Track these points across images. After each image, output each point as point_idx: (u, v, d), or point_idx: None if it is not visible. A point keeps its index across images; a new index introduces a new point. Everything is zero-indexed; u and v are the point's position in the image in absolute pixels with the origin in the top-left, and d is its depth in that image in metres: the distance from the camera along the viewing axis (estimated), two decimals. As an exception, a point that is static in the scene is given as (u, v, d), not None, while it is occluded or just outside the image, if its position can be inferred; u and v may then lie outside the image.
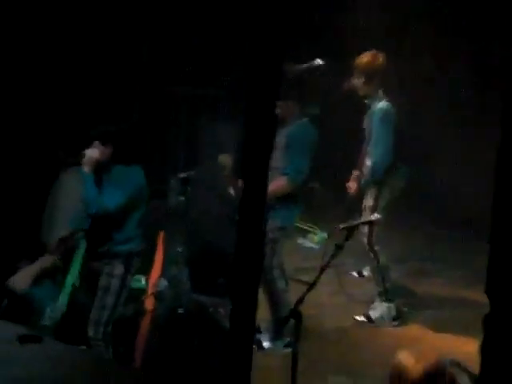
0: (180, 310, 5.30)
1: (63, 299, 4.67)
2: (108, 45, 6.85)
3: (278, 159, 5.07)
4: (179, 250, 5.81)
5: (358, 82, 5.67)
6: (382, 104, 5.62)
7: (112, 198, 4.63)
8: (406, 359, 3.03)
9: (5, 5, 5.93)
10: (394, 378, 3.01)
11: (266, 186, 2.80)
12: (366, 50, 5.72)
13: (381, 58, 5.65)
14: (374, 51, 5.69)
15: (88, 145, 4.78)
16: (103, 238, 4.73)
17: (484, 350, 2.16)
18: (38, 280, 4.78)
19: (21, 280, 4.78)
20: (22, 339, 3.02)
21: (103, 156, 4.71)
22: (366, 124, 5.74)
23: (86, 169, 4.68)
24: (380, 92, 5.64)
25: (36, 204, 5.37)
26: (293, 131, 5.22)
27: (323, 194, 7.09)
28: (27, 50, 6.19)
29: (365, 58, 5.66)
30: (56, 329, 4.57)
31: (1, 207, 5.43)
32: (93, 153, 4.70)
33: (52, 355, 3.03)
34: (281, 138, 5.16)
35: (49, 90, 6.31)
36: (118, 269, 4.71)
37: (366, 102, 5.71)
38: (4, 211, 5.39)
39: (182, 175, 6.03)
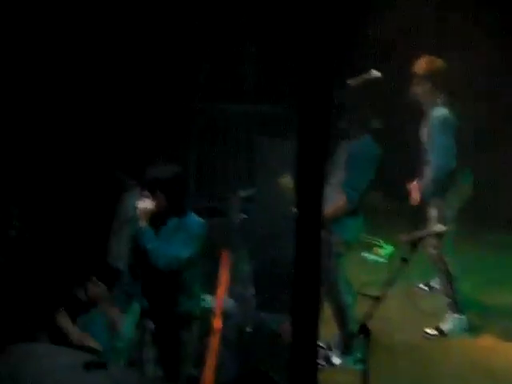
0: (248, 329, 5.28)
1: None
2: (159, 66, 6.91)
3: (338, 175, 5.02)
4: (244, 267, 5.81)
5: (417, 88, 5.59)
6: (440, 110, 5.52)
7: (182, 249, 4.37)
8: None
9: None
10: None
11: (321, 200, 2.76)
12: (418, 56, 5.64)
13: (438, 63, 5.56)
14: (430, 56, 5.60)
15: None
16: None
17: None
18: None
19: None
20: (88, 366, 3.03)
21: (158, 206, 4.41)
22: (424, 131, 5.65)
23: (141, 223, 4.39)
24: (439, 98, 5.54)
25: (98, 226, 5.38)
26: (354, 147, 5.15)
27: (389, 207, 7.01)
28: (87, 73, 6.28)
29: (423, 63, 5.58)
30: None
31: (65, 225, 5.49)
32: (145, 204, 4.41)
33: (118, 381, 3.03)
34: (342, 153, 5.11)
35: (107, 113, 6.40)
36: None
37: (423, 108, 5.62)
38: (68, 231, 5.44)
39: (243, 193, 6.04)
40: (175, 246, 4.36)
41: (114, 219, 5.78)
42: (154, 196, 4.41)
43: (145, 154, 6.41)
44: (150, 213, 4.39)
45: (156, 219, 4.43)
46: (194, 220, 4.48)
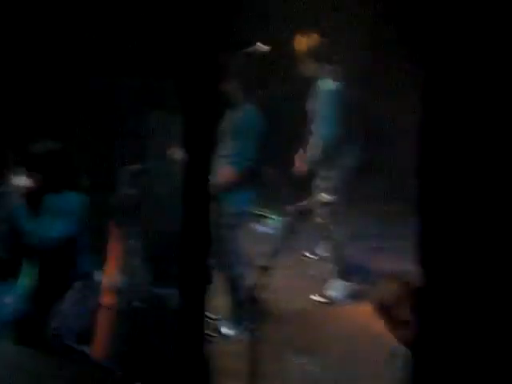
0: (138, 304, 5.27)
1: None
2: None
3: (224, 146, 5.07)
4: (132, 242, 5.78)
5: (302, 64, 5.68)
6: (326, 82, 5.63)
7: (54, 228, 4.35)
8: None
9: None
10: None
11: (208, 172, 2.80)
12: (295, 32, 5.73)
13: (316, 38, 5.66)
14: (308, 32, 5.70)
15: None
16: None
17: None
18: None
19: None
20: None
21: (33, 183, 4.38)
22: (311, 104, 5.75)
23: (16, 200, 4.33)
24: (323, 70, 5.65)
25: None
26: (239, 118, 5.22)
27: (275, 177, 7.11)
28: None
29: (302, 40, 5.68)
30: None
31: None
32: (20, 181, 4.36)
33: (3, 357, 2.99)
34: (228, 124, 5.15)
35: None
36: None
37: (310, 81, 5.72)
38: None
39: (132, 167, 5.99)
40: (48, 225, 4.33)
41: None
42: (30, 173, 4.35)
43: (28, 130, 6.27)
44: (24, 190, 4.34)
45: (33, 197, 4.38)
46: (70, 197, 4.45)
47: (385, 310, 3.63)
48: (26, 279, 4.65)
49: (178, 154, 5.35)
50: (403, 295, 3.58)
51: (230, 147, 5.14)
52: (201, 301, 2.75)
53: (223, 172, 5.08)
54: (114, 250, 5.90)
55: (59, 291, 4.50)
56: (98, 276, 4.85)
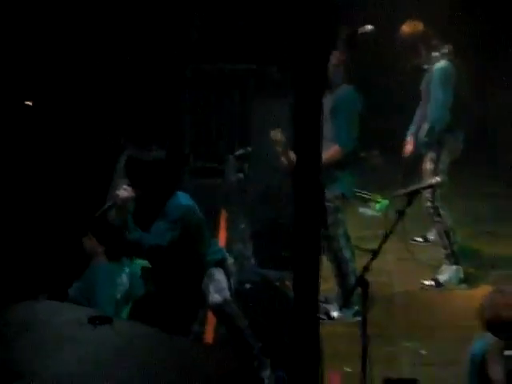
0: (247, 285, 5.34)
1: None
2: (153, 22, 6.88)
3: (325, 126, 5.03)
4: (242, 226, 5.86)
5: (413, 49, 5.62)
6: (440, 63, 5.55)
7: (161, 238, 4.36)
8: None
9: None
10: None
11: (318, 154, 2.80)
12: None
13: (420, 25, 5.61)
14: (409, 21, 5.63)
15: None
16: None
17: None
18: None
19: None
20: (93, 320, 3.09)
21: (139, 193, 4.38)
22: (423, 85, 5.68)
23: (122, 212, 4.36)
24: (436, 53, 5.57)
25: (99, 183, 5.40)
26: (338, 98, 5.20)
27: (382, 161, 7.05)
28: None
29: (404, 29, 5.62)
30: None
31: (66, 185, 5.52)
32: (124, 193, 4.36)
33: (122, 335, 3.09)
34: (327, 104, 5.13)
35: (103, 77, 6.40)
36: (219, 274, 4.62)
37: (424, 66, 5.65)
38: (68, 190, 5.47)
39: (239, 152, 6.06)
40: (154, 235, 4.37)
41: (113, 177, 5.82)
42: (135, 183, 4.38)
43: (141, 115, 6.43)
44: (129, 201, 4.38)
45: (139, 206, 4.44)
46: (174, 204, 4.45)
47: (503, 321, 3.57)
48: (140, 262, 4.79)
49: (280, 134, 5.36)
50: None
51: (330, 126, 5.12)
52: (314, 284, 2.76)
53: (328, 151, 5.07)
54: (223, 234, 6.00)
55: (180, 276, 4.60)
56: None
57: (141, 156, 4.43)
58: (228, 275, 4.66)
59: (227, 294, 4.54)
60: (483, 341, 3.72)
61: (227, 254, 4.88)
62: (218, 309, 4.55)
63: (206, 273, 4.56)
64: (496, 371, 3.58)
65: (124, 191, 4.37)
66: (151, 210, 4.46)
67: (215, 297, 4.50)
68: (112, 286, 4.54)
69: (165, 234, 4.37)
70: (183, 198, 4.52)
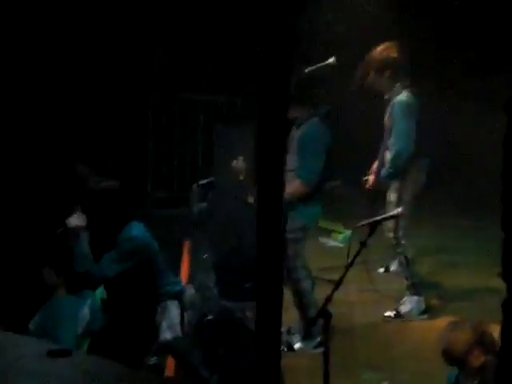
0: (209, 316, 5.31)
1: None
2: (116, 51, 6.88)
3: (291, 161, 5.06)
4: (205, 255, 5.84)
5: (373, 77, 5.62)
6: (402, 95, 5.57)
7: (108, 269, 4.36)
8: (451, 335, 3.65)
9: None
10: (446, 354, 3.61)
11: (282, 187, 2.80)
12: (370, 44, 5.69)
13: (394, 49, 5.59)
14: (386, 43, 5.63)
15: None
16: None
17: (503, 334, 2.15)
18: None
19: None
20: (53, 353, 3.04)
21: (90, 221, 4.39)
22: (386, 118, 5.70)
23: (72, 240, 4.36)
24: (398, 84, 5.59)
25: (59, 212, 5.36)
26: (304, 132, 5.21)
27: (344, 192, 7.09)
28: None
29: (378, 51, 5.61)
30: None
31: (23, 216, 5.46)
32: (75, 221, 4.37)
33: (82, 368, 3.05)
34: (293, 140, 5.16)
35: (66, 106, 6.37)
36: (174, 307, 4.62)
37: (386, 97, 5.67)
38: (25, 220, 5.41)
39: (203, 182, 6.06)
40: (102, 266, 4.36)
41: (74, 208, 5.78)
42: (86, 212, 4.37)
43: (103, 144, 6.40)
44: (80, 230, 4.36)
45: (93, 236, 4.41)
46: (126, 236, 4.43)
47: (454, 356, 3.63)
48: (101, 293, 4.73)
49: (241, 163, 5.37)
50: (475, 343, 3.59)
51: (296, 161, 5.14)
52: (277, 315, 2.75)
53: (291, 185, 5.08)
54: (186, 264, 5.97)
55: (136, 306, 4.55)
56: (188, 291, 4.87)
57: (93, 185, 4.41)
58: (183, 309, 4.63)
59: (178, 330, 4.52)
60: (453, 372, 3.75)
61: (189, 285, 4.86)
62: (169, 346, 4.51)
63: (161, 305, 4.53)
64: None
65: (74, 219, 4.35)
66: (105, 239, 4.42)
67: (166, 334, 4.47)
68: (73, 319, 4.48)
69: (113, 266, 4.36)
70: (136, 229, 4.48)
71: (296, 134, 5.17)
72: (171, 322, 4.52)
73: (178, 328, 4.54)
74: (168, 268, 4.75)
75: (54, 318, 4.49)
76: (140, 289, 4.49)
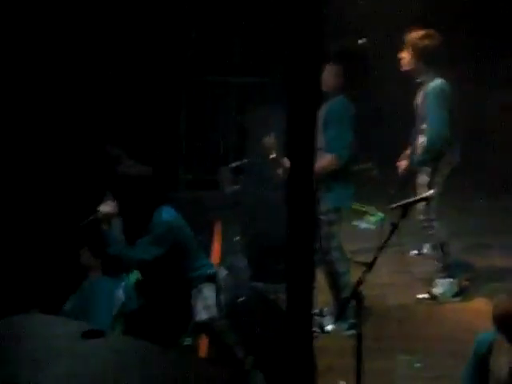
0: (241, 299, 5.33)
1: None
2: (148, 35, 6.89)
3: (318, 137, 5.03)
4: (236, 238, 5.85)
5: (409, 59, 5.61)
6: (435, 81, 5.56)
7: (144, 253, 4.37)
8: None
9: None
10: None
11: (312, 165, 2.79)
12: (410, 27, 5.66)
13: (431, 36, 5.57)
14: (426, 30, 5.61)
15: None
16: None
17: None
18: None
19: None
20: (86, 334, 3.07)
21: (121, 208, 4.42)
22: (419, 101, 5.68)
23: (104, 226, 4.40)
24: (433, 69, 5.57)
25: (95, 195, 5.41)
26: (331, 107, 5.21)
27: (377, 174, 7.05)
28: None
29: (415, 35, 5.58)
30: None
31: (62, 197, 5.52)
32: (107, 208, 4.40)
33: (115, 349, 3.08)
34: (320, 114, 5.14)
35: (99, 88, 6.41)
36: (209, 289, 4.63)
37: (418, 80, 5.65)
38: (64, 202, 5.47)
39: (234, 164, 6.06)
40: (138, 250, 4.38)
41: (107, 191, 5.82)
42: (119, 198, 4.41)
43: (135, 127, 6.43)
44: (112, 216, 4.41)
45: (126, 221, 4.46)
46: (158, 220, 4.44)
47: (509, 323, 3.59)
48: (135, 276, 4.77)
49: (272, 140, 5.35)
50: None
51: (324, 137, 5.12)
52: (308, 297, 2.75)
53: (323, 160, 5.07)
54: (217, 246, 5.99)
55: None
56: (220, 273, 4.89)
57: (125, 171, 4.45)
58: (218, 291, 4.65)
59: (214, 311, 4.55)
60: (489, 334, 3.71)
61: (221, 267, 4.88)
62: (205, 326, 4.54)
63: (196, 288, 4.56)
64: (500, 364, 3.58)
65: (106, 206, 4.39)
66: (137, 224, 4.45)
67: (201, 314, 4.50)
68: (109, 301, 4.52)
69: (149, 249, 4.38)
70: (167, 214, 4.51)
71: (322, 110, 5.15)
72: (206, 303, 4.55)
73: (214, 309, 4.56)
74: (201, 251, 4.77)
75: (90, 299, 4.54)
76: (174, 271, 4.52)
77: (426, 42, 5.56)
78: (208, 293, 4.58)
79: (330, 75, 5.21)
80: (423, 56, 5.56)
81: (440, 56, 5.61)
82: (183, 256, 4.53)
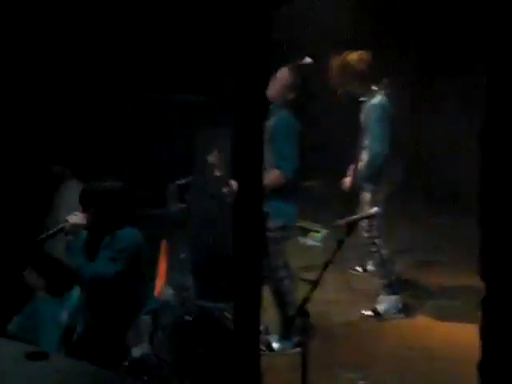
0: (187, 317, 5.30)
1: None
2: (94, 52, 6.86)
3: (265, 152, 5.04)
4: (182, 256, 5.82)
5: (349, 81, 5.70)
6: (376, 98, 5.65)
7: (106, 268, 4.29)
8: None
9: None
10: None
11: (260, 181, 2.80)
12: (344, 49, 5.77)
13: (366, 56, 5.69)
14: (361, 51, 5.73)
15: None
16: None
17: (483, 333, 2.17)
18: None
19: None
20: (30, 356, 3.03)
21: (90, 221, 4.37)
22: (362, 118, 5.76)
23: (70, 237, 4.35)
24: (373, 87, 5.67)
25: (37, 214, 5.34)
26: (277, 122, 5.24)
27: (322, 192, 7.11)
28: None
29: (354, 58, 5.69)
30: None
31: (3, 216, 5.43)
32: (74, 219, 4.35)
33: (59, 371, 3.04)
34: (266, 129, 5.16)
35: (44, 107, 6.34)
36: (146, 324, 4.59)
37: (360, 99, 5.73)
38: (6, 221, 5.38)
39: (180, 182, 6.04)
40: (100, 264, 4.31)
41: (49, 211, 5.76)
42: (86, 211, 4.37)
43: (82, 145, 6.37)
44: (79, 227, 4.35)
45: (91, 233, 4.40)
46: (124, 235, 4.41)
47: None
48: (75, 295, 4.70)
49: (216, 157, 5.37)
50: None
51: (272, 152, 5.15)
52: (255, 314, 2.75)
53: (269, 176, 5.09)
54: (164, 264, 5.95)
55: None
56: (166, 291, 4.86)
57: (97, 186, 4.44)
58: (155, 327, 4.62)
59: (147, 348, 4.51)
60: None
61: (166, 285, 4.86)
62: (139, 363, 4.51)
63: (137, 319, 4.52)
64: None
65: (74, 216, 4.35)
66: (100, 239, 4.41)
67: (134, 352, 4.47)
68: (55, 322, 4.45)
69: (109, 265, 4.31)
70: (130, 230, 4.48)
71: (268, 124, 5.18)
72: (141, 340, 4.52)
73: (148, 347, 4.53)
74: (152, 281, 4.74)
75: (35, 320, 4.46)
76: (125, 292, 4.46)
77: (363, 63, 5.67)
78: (144, 329, 4.56)
79: (274, 87, 5.26)
80: (361, 77, 5.65)
81: (379, 73, 5.71)
82: (137, 278, 4.49)
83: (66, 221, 4.36)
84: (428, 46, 7.88)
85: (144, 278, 4.58)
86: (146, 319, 4.58)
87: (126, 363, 4.47)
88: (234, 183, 5.16)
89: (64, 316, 4.54)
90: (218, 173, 5.31)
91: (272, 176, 5.13)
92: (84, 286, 4.42)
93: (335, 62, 5.74)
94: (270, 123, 5.22)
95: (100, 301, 4.44)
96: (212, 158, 5.34)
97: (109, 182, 4.49)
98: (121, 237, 4.39)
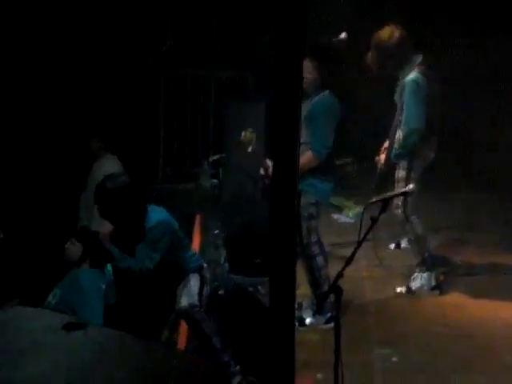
0: (220, 292, 5.34)
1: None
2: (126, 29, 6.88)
3: (301, 132, 5.03)
4: (215, 231, 5.85)
5: (379, 57, 5.64)
6: (412, 76, 5.59)
7: (148, 260, 4.41)
8: None
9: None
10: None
11: (296, 161, 2.80)
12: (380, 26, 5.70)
13: (398, 32, 5.61)
14: (391, 26, 5.65)
15: None
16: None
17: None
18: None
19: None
20: (68, 326, 3.07)
21: (113, 226, 4.50)
22: (397, 96, 5.71)
23: (108, 245, 4.47)
24: (408, 65, 5.61)
25: (73, 191, 5.40)
26: (315, 104, 5.20)
27: (356, 169, 7.09)
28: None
29: (382, 33, 5.63)
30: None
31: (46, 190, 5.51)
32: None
33: (95, 341, 3.08)
34: (304, 110, 5.13)
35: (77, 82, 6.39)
36: (194, 280, 4.68)
37: (396, 75, 5.68)
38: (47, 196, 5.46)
39: (214, 158, 6.06)
40: (140, 259, 4.41)
41: (85, 187, 5.82)
42: (109, 216, 4.47)
43: (116, 121, 6.42)
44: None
45: (117, 234, 4.49)
46: (154, 223, 4.47)
47: None
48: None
49: (250, 134, 5.36)
50: None
51: (306, 133, 5.12)
52: (290, 290, 2.77)
53: (303, 157, 5.07)
54: (197, 240, 6.00)
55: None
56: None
57: (104, 186, 4.47)
58: (202, 282, 4.69)
59: (195, 299, 4.58)
60: None
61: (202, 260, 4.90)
62: (184, 313, 4.58)
63: (184, 279, 4.62)
64: None
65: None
66: (130, 234, 4.50)
67: (182, 301, 4.54)
68: (97, 293, 4.52)
69: (150, 255, 4.43)
70: (157, 215, 4.54)
71: (307, 106, 5.15)
72: (189, 292, 4.59)
73: (196, 297, 4.60)
74: (189, 242, 4.82)
75: (77, 292, 4.52)
76: (168, 266, 4.55)
77: (396, 40, 5.59)
78: (193, 282, 4.64)
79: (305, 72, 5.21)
80: (395, 54, 5.60)
81: (412, 50, 5.65)
82: (177, 251, 4.58)
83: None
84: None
85: (183, 245, 4.68)
86: (192, 276, 4.65)
87: (173, 316, 4.56)
88: (269, 163, 5.15)
89: (104, 288, 4.61)
90: (250, 149, 5.31)
91: (304, 158, 5.11)
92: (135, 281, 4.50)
93: (372, 41, 5.67)
94: (309, 103, 5.19)
95: (137, 274, 4.52)
96: (245, 135, 5.33)
97: (112, 181, 4.51)
98: (151, 226, 4.47)
